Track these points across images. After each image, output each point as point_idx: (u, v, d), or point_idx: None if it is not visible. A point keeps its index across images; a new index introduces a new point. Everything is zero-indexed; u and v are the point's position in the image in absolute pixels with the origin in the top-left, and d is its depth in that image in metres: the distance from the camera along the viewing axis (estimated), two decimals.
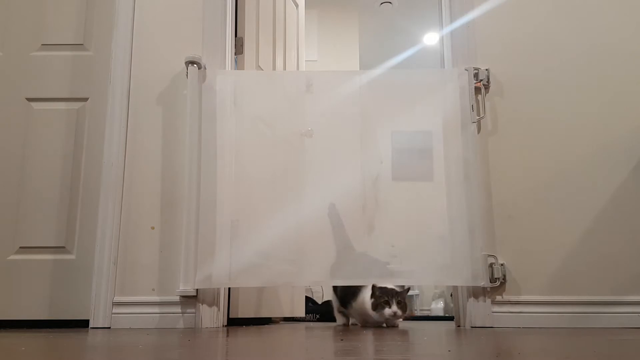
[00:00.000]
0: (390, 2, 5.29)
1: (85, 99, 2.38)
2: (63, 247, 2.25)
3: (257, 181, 2.26)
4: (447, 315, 5.70)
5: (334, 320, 2.66)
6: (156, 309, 2.12)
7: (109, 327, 2.09)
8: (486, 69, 2.33)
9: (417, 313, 6.19)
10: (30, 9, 2.48)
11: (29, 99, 2.38)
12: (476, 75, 2.31)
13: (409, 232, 2.21)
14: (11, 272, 2.22)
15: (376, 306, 2.17)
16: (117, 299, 2.13)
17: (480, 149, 2.26)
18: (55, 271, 2.22)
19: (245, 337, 1.65)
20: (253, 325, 2.36)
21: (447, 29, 2.45)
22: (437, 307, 6.11)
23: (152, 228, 2.20)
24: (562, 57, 2.37)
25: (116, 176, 2.23)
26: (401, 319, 2.26)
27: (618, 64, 2.35)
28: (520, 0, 2.44)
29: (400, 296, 2.18)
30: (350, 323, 2.56)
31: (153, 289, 2.14)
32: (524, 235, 2.20)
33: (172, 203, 2.21)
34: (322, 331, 2.06)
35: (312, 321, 3.20)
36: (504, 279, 2.16)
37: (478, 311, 2.13)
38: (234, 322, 2.29)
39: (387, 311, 2.15)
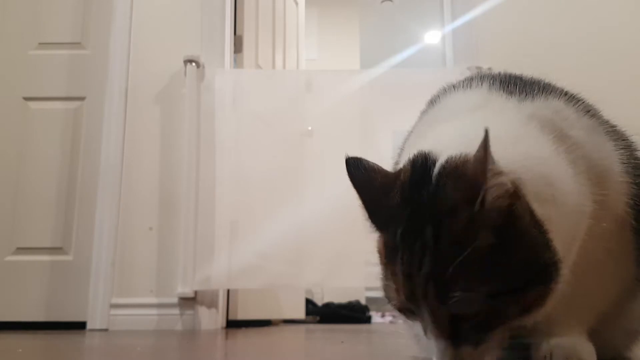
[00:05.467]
0: (391, 0, 5.27)
1: (83, 98, 2.35)
2: (60, 248, 2.22)
3: (257, 181, 2.23)
4: None
5: (334, 322, 2.62)
6: (154, 311, 2.09)
7: (107, 329, 2.07)
8: (488, 68, 2.30)
9: None
10: (27, 7, 2.45)
11: (26, 98, 2.35)
12: None
13: None
14: (8, 273, 2.19)
15: None
16: (115, 300, 2.11)
17: None
18: (53, 272, 2.19)
19: (245, 339, 1.63)
20: (252, 327, 2.34)
21: (449, 28, 2.43)
22: None
23: (150, 229, 2.18)
24: (564, 56, 2.34)
25: (114, 176, 2.20)
26: None
27: (621, 64, 2.33)
28: None
29: None
30: None
31: (151, 291, 2.12)
32: None
33: (170, 203, 2.19)
34: (322, 333, 2.04)
35: (313, 323, 3.18)
36: None
37: None
38: (233, 324, 2.26)
39: None
